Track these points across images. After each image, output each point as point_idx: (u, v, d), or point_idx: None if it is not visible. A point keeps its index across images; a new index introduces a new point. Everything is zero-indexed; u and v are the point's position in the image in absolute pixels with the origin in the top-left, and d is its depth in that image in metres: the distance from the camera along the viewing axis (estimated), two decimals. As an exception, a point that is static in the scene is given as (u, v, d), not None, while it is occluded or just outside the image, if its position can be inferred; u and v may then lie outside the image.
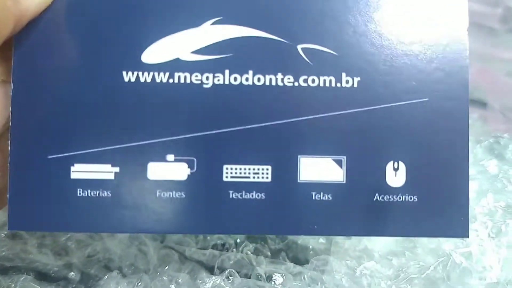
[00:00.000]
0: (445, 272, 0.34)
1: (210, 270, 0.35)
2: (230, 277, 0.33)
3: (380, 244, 0.37)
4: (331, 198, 0.25)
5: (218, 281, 0.33)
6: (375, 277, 0.34)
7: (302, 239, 0.37)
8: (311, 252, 0.37)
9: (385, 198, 0.25)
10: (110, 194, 0.24)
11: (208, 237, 0.36)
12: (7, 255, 0.34)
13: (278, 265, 0.35)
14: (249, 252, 0.35)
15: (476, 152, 0.44)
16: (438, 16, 0.25)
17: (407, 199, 0.25)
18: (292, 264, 0.35)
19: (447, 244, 0.36)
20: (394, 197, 0.25)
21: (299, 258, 0.36)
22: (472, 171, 0.42)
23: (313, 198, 0.25)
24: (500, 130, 0.47)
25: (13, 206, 0.24)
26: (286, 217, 0.25)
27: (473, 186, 0.40)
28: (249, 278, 0.34)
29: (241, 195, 0.25)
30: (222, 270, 0.34)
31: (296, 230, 0.25)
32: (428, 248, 0.36)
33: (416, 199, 0.25)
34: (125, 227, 0.25)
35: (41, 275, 0.33)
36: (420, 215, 0.25)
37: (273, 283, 0.33)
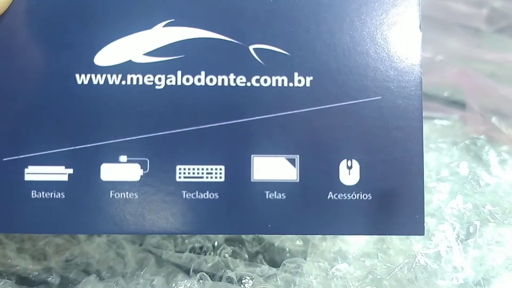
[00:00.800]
0: (411, 273, 0.34)
1: (188, 273, 0.35)
2: (201, 280, 0.33)
3: (354, 246, 0.37)
4: (284, 197, 0.25)
5: (189, 284, 0.33)
6: (345, 279, 0.34)
7: (279, 242, 0.37)
8: (287, 254, 0.37)
9: (338, 196, 0.25)
10: (64, 196, 0.25)
11: (186, 240, 0.36)
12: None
13: (254, 267, 0.35)
14: (227, 255, 0.36)
15: (452, 154, 0.44)
16: (390, 15, 0.25)
17: (361, 197, 0.25)
18: (267, 267, 0.35)
19: (417, 245, 0.36)
20: (348, 195, 0.25)
21: (276, 260, 0.36)
22: (445, 173, 0.42)
23: (267, 197, 0.25)
24: (480, 132, 0.47)
25: None
26: (240, 216, 0.25)
27: (445, 188, 0.40)
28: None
29: (194, 195, 0.25)
30: (199, 273, 0.34)
31: (250, 229, 0.25)
32: (400, 249, 0.36)
33: (371, 197, 0.25)
34: (79, 228, 0.25)
35: (22, 279, 0.34)
36: (374, 213, 0.25)
37: (243, 286, 0.33)
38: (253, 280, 0.34)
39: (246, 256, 0.36)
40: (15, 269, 0.33)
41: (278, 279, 0.34)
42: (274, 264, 0.35)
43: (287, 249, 0.37)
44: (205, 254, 0.35)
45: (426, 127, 0.45)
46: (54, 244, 0.34)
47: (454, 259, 0.35)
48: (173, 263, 0.35)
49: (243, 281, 0.34)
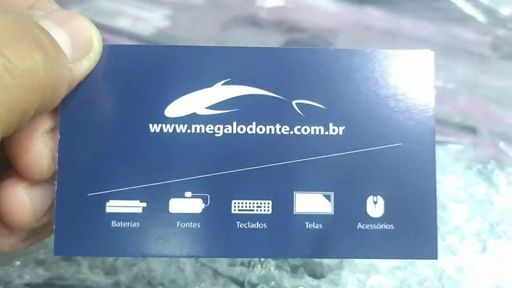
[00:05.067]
0: (440, 284, 0.39)
1: (240, 284, 0.39)
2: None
3: (384, 260, 0.41)
4: (321, 227, 0.29)
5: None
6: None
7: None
8: (326, 267, 0.41)
9: (366, 226, 0.29)
10: (138, 225, 0.29)
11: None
12: (64, 275, 0.39)
13: (298, 279, 0.39)
14: (272, 268, 0.40)
15: (467, 178, 0.48)
16: (408, 76, 0.30)
17: (384, 227, 0.29)
18: (310, 278, 0.39)
19: (441, 260, 0.41)
20: (373, 226, 0.29)
21: (316, 273, 0.41)
22: (463, 195, 0.47)
23: (307, 227, 0.29)
24: (490, 155, 0.51)
25: (58, 236, 0.29)
26: (284, 243, 0.29)
27: (464, 209, 0.45)
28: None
29: (246, 225, 0.29)
30: (250, 284, 0.39)
31: (293, 253, 0.29)
32: (426, 263, 0.41)
33: (393, 227, 0.29)
34: (151, 252, 0.29)
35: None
36: (396, 240, 0.29)
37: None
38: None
39: (289, 269, 0.40)
40: (88, 283, 0.38)
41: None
42: (314, 276, 0.40)
43: (325, 262, 0.41)
44: (252, 268, 0.40)
45: (442, 151, 0.50)
46: (122, 260, 0.39)
47: (475, 272, 0.40)
48: (228, 276, 0.40)
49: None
